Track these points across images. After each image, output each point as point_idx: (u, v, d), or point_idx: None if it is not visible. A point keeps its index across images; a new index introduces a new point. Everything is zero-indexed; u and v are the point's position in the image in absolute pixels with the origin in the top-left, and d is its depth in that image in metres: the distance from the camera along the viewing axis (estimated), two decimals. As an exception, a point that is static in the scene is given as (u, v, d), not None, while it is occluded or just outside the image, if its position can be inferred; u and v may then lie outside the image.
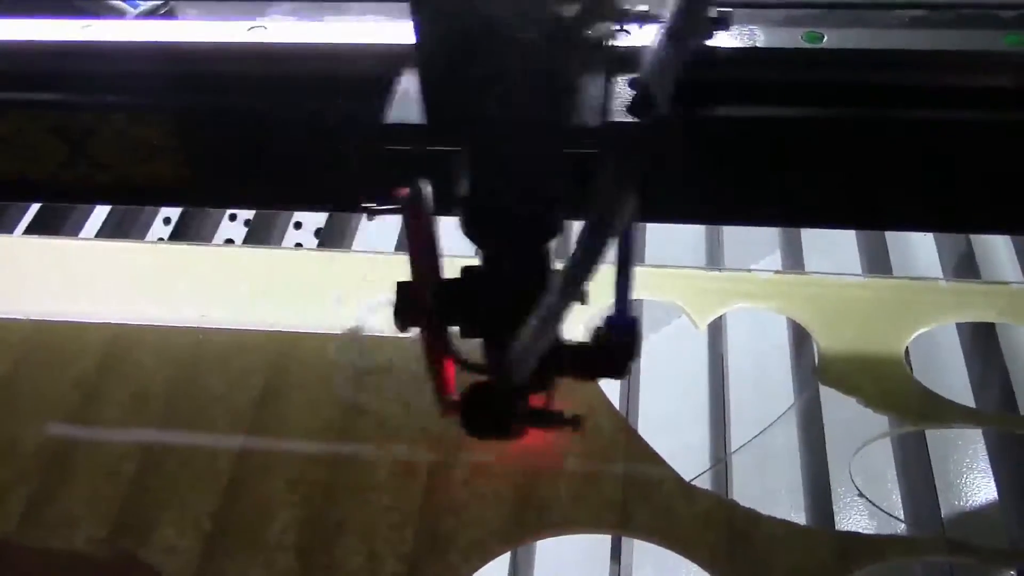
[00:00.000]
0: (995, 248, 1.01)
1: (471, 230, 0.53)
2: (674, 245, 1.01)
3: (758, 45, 0.57)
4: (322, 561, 0.70)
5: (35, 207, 1.10)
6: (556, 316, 0.46)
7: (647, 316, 0.94)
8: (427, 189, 0.52)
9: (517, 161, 0.48)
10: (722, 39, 0.57)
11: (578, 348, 0.59)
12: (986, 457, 0.82)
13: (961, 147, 0.69)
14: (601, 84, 0.48)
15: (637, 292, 0.89)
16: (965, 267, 1.00)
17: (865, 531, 0.75)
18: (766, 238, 1.04)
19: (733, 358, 0.91)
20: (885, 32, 0.60)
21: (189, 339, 0.86)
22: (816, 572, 0.68)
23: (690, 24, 0.46)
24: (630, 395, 0.88)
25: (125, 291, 0.92)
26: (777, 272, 0.89)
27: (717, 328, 0.93)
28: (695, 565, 0.70)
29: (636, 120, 0.46)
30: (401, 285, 0.56)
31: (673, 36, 0.45)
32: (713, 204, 0.67)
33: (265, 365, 0.84)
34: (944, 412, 0.79)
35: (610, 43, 0.52)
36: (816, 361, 0.82)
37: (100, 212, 1.10)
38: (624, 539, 0.78)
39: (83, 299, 0.91)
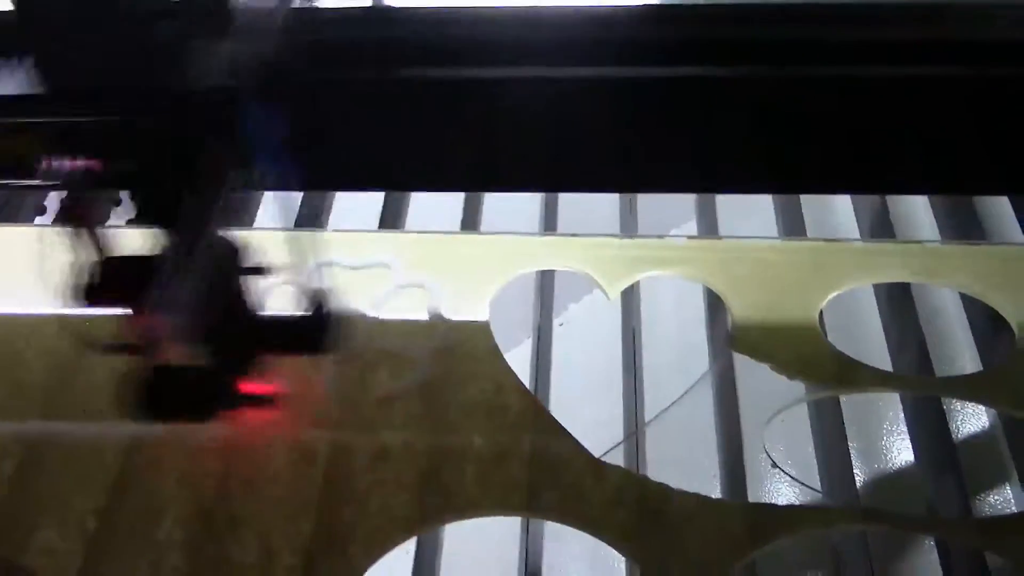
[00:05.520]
0: (913, 207, 1.00)
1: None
2: (587, 213, 0.98)
3: None
4: (214, 557, 0.67)
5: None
6: (177, 288, 0.47)
7: (558, 287, 0.91)
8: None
9: (130, 128, 0.47)
10: None
11: (279, 324, 0.58)
12: (903, 421, 0.81)
13: (871, 103, 0.67)
14: (211, 50, 0.46)
15: (547, 262, 0.86)
16: (881, 227, 0.98)
17: (780, 502, 0.74)
18: (682, 204, 1.01)
19: (648, 328, 0.88)
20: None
21: (73, 327, 0.81)
22: (728, 546, 0.66)
23: None
24: (539, 370, 0.85)
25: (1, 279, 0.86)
26: (690, 238, 0.87)
27: (630, 297, 0.90)
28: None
29: (229, 85, 0.45)
30: (102, 263, 0.54)
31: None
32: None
33: (156, 352, 0.79)
34: (859, 376, 0.77)
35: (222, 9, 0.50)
36: (729, 328, 0.80)
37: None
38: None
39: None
